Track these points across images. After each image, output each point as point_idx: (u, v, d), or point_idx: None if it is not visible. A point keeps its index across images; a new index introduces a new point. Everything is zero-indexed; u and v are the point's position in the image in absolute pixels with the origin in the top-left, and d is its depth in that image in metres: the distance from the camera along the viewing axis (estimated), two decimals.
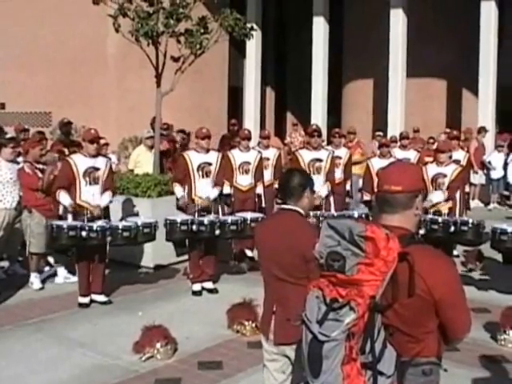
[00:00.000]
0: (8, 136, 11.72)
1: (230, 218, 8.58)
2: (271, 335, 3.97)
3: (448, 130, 15.11)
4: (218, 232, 8.36)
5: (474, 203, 15.85)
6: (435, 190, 9.01)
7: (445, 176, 9.04)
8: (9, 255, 9.61)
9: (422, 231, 8.15)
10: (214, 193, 8.77)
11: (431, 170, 9.12)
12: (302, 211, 4.02)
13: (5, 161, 8.92)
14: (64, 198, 7.96)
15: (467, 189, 11.72)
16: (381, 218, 2.95)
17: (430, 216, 8.53)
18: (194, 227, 8.26)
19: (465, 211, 10.86)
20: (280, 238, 3.84)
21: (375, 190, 8.01)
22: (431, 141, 14.54)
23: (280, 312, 3.80)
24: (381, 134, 16.35)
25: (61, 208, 8.63)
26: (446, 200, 9.01)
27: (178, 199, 8.85)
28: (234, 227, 8.48)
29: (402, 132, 13.74)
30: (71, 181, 7.99)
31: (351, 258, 2.63)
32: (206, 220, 8.33)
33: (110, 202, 8.44)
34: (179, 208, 8.83)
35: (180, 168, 8.89)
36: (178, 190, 8.76)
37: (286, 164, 12.65)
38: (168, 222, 8.35)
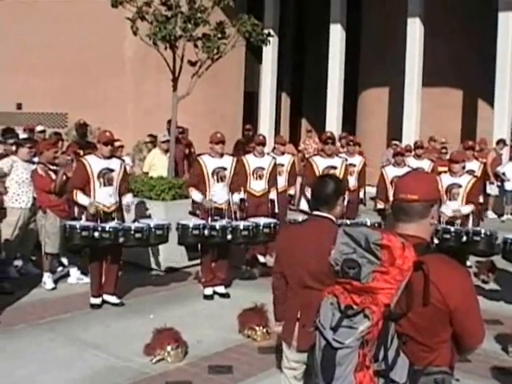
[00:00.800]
0: (22, 136, 11.80)
1: (242, 224, 8.56)
2: (294, 342, 3.96)
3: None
4: (229, 237, 8.36)
5: (492, 214, 15.82)
6: (449, 200, 8.99)
7: (459, 186, 9.03)
8: (22, 255, 9.67)
9: (435, 241, 8.12)
10: (236, 198, 8.85)
11: (445, 180, 9.10)
12: (334, 219, 4.02)
13: (21, 161, 9.01)
14: (82, 198, 8.01)
15: (481, 199, 11.67)
16: (397, 226, 2.95)
17: (442, 225, 8.50)
18: (206, 232, 8.27)
19: (478, 222, 10.82)
20: (313, 246, 3.79)
21: (389, 198, 7.97)
22: (444, 151, 14.51)
23: (304, 318, 3.78)
24: (397, 142, 16.33)
25: (76, 209, 8.67)
26: (471, 211, 9.03)
27: (195, 203, 8.84)
28: (245, 233, 8.48)
29: (417, 141, 13.70)
30: (85, 182, 8.04)
31: (367, 266, 2.64)
32: (217, 225, 8.33)
33: (133, 202, 8.52)
34: (191, 213, 8.84)
35: (195, 172, 8.91)
36: (196, 194, 8.72)
37: (300, 171, 12.65)
38: (180, 226, 8.36)
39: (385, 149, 18.65)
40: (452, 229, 8.47)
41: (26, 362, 6.25)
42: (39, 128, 14.60)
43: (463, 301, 2.80)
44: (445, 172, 9.59)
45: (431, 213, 2.95)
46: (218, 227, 8.31)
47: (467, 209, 8.95)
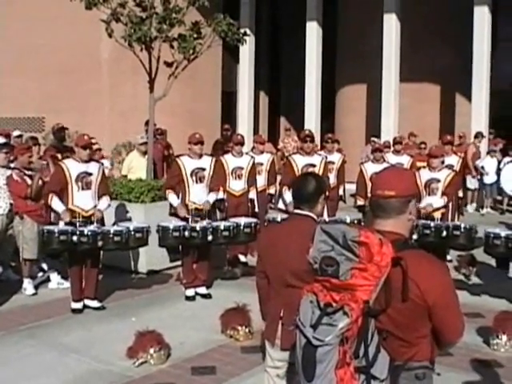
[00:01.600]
0: (0, 141, 11.70)
1: (222, 224, 8.55)
2: (278, 341, 3.95)
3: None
4: (210, 238, 8.33)
5: (472, 208, 15.93)
6: (428, 195, 9.04)
7: (438, 181, 9.08)
8: (1, 261, 9.58)
9: (414, 236, 8.16)
10: (211, 197, 8.78)
11: (424, 175, 9.14)
12: (315, 217, 4.01)
13: None
14: (57, 204, 7.96)
15: (460, 194, 11.75)
16: (374, 222, 2.96)
17: (422, 221, 8.54)
18: (187, 233, 8.24)
19: (458, 216, 10.89)
20: (295, 244, 3.72)
21: (369, 194, 8.01)
22: (423, 146, 14.59)
23: (287, 317, 3.76)
24: (375, 139, 16.40)
25: (53, 214, 8.60)
26: (445, 206, 9.06)
27: (172, 206, 8.80)
28: (226, 233, 8.46)
29: (396, 137, 13.77)
30: (63, 185, 7.98)
31: (345, 263, 2.64)
32: (198, 226, 8.31)
33: (109, 205, 8.45)
34: (172, 214, 8.80)
35: (173, 173, 8.87)
36: (173, 198, 8.68)
37: (280, 169, 12.65)
38: (160, 227, 8.33)
39: (364, 145, 18.72)
40: (432, 224, 8.51)
41: (6, 369, 6.19)
42: (16, 133, 14.47)
43: (442, 296, 2.81)
44: (424, 167, 9.64)
45: (409, 208, 2.96)
46: (198, 228, 8.28)
47: (439, 202, 8.98)
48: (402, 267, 2.70)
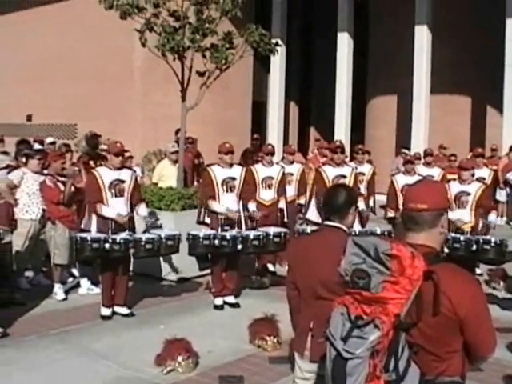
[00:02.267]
0: (36, 148, 11.88)
1: (252, 233, 8.57)
2: (307, 352, 3.94)
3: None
4: (240, 247, 8.37)
5: (502, 221, 15.72)
6: (458, 208, 8.97)
7: (468, 194, 9.01)
8: (33, 266, 9.71)
9: (446, 250, 8.09)
10: (252, 206, 8.93)
11: (454, 187, 9.08)
12: (346, 229, 4.01)
13: (31, 172, 9.06)
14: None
15: None
16: (406, 235, 2.95)
17: (452, 234, 8.47)
18: (217, 242, 8.27)
19: (487, 229, 10.79)
20: (326, 256, 3.67)
21: (399, 206, 7.91)
22: (453, 158, 14.49)
23: (317, 329, 3.75)
24: (406, 151, 16.31)
25: (84, 220, 8.69)
26: (480, 218, 9.00)
27: (200, 212, 8.84)
28: (256, 242, 8.48)
29: (427, 149, 13.69)
30: (97, 193, 8.06)
31: (376, 276, 2.64)
32: (228, 235, 8.34)
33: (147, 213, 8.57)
34: (200, 222, 8.85)
35: (206, 183, 8.90)
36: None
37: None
38: (190, 236, 8.36)
39: (394, 156, 18.65)
40: (462, 238, 8.43)
41: (36, 374, 6.25)
42: (49, 140, 14.69)
43: (473, 310, 2.79)
44: (454, 180, 9.58)
45: (441, 222, 2.95)
46: (228, 237, 8.31)
47: (467, 217, 8.91)
48: (434, 281, 2.69)
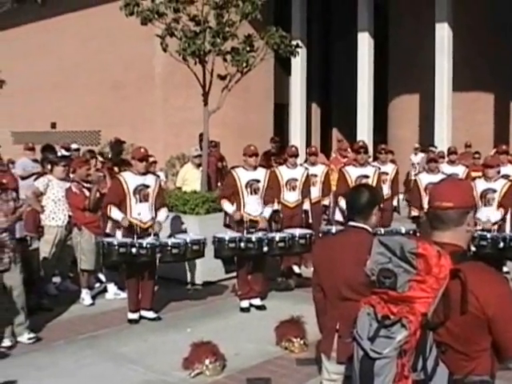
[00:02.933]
0: (61, 154, 12.00)
1: (277, 235, 8.57)
2: (334, 353, 3.94)
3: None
4: (266, 249, 8.37)
5: None
6: (485, 205, 8.93)
7: (494, 191, 8.96)
8: (60, 271, 9.80)
9: (472, 248, 8.05)
10: (267, 211, 8.81)
11: (480, 185, 9.03)
12: (370, 229, 4.01)
13: (57, 179, 9.15)
14: (116, 213, 8.08)
15: None
16: (432, 234, 2.94)
17: (478, 232, 8.42)
18: (242, 244, 8.29)
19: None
20: (351, 257, 3.72)
21: (423, 205, 7.87)
22: (477, 156, 14.40)
23: (343, 330, 3.75)
24: (433, 149, 16.18)
25: (108, 225, 8.75)
26: (503, 217, 8.94)
27: (227, 215, 8.86)
28: (282, 244, 8.48)
29: (450, 147, 13.61)
30: (122, 198, 8.11)
31: (402, 275, 2.64)
32: (253, 237, 8.35)
33: (167, 217, 8.56)
34: (226, 225, 8.87)
35: (228, 184, 8.95)
36: (228, 206, 8.77)
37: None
38: (216, 239, 8.38)
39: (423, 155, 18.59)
40: (488, 235, 8.39)
41: (64, 378, 6.32)
42: (74, 146, 14.82)
43: (502, 308, 2.76)
44: (479, 177, 9.52)
45: (467, 220, 2.93)
46: (254, 239, 8.33)
47: (497, 215, 8.86)
48: (461, 279, 2.68)
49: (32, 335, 7.32)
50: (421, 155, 18.69)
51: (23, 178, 10.82)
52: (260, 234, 8.43)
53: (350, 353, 2.98)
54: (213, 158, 12.66)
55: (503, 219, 9.03)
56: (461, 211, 2.91)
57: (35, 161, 12.02)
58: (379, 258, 2.72)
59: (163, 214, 8.40)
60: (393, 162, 12.84)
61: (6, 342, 7.12)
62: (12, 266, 7.10)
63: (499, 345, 2.83)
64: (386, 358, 2.58)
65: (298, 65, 21.97)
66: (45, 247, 8.99)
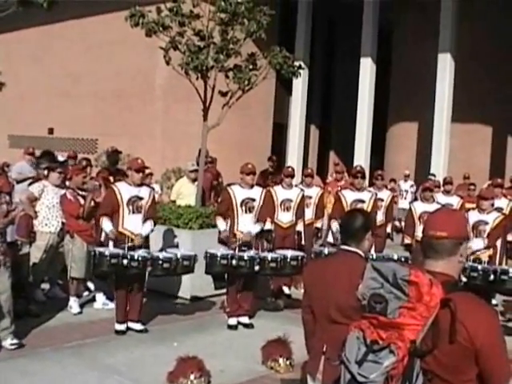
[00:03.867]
0: (60, 160, 12.00)
1: (270, 255, 8.55)
2: (319, 375, 3.95)
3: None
4: (257, 268, 8.36)
5: None
6: (476, 237, 8.99)
7: (486, 223, 9.01)
8: (50, 278, 9.77)
9: (464, 279, 8.07)
10: (255, 228, 8.78)
11: (473, 216, 9.08)
12: (362, 254, 4.02)
13: (52, 185, 9.14)
14: (106, 224, 8.10)
15: (510, 237, 11.56)
16: (425, 263, 2.95)
17: (469, 263, 8.44)
18: (234, 262, 8.27)
19: (506, 260, 10.73)
20: (342, 281, 3.74)
21: (417, 233, 7.87)
22: (472, 187, 14.46)
23: (330, 352, 3.76)
24: (432, 177, 16.25)
25: (103, 235, 8.73)
26: (486, 248, 8.97)
27: (220, 232, 8.89)
28: (273, 264, 8.46)
29: (446, 177, 13.68)
30: (115, 208, 8.11)
31: (394, 301, 2.64)
32: (246, 255, 8.34)
33: (152, 230, 8.54)
34: (221, 241, 8.88)
35: (223, 202, 8.96)
36: (221, 223, 8.79)
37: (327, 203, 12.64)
38: (208, 255, 8.37)
39: (413, 183, 18.67)
40: (479, 267, 8.41)
41: None
42: (60, 158, 14.79)
43: (489, 340, 2.78)
44: (473, 209, 9.57)
45: (460, 250, 2.95)
46: (246, 257, 8.32)
47: (478, 244, 8.91)
48: (451, 309, 2.69)
49: (15, 341, 7.27)
50: (410, 182, 18.83)
51: (18, 182, 10.83)
52: (252, 253, 8.43)
53: (335, 375, 2.99)
54: (208, 175, 12.66)
55: (493, 249, 9.06)
56: (455, 241, 2.92)
57: (34, 165, 12.05)
58: (371, 283, 2.73)
59: (148, 227, 8.32)
60: (392, 189, 12.85)
61: None
62: (1, 269, 7.07)
63: (485, 377, 2.84)
64: (373, 382, 2.58)
65: (300, 86, 22.10)
66: (36, 253, 8.97)
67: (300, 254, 8.88)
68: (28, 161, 12.41)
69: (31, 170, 11.67)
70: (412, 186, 18.79)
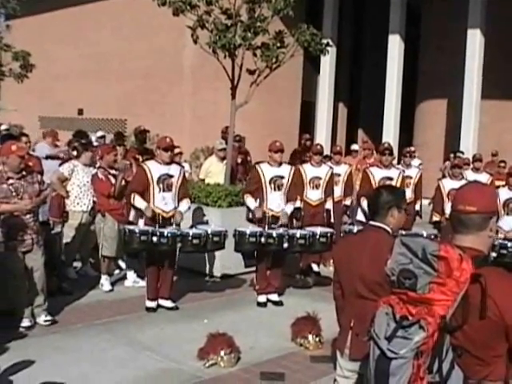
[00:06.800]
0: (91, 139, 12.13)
1: (298, 232, 8.58)
2: (347, 350, 3.98)
3: None
4: (286, 245, 8.38)
5: None
6: (507, 214, 8.91)
7: None
8: (81, 256, 9.89)
9: (493, 254, 8.02)
10: (289, 208, 8.81)
11: (503, 194, 9.01)
12: (388, 229, 4.03)
13: (82, 165, 9.23)
14: (139, 201, 8.15)
15: None
16: (454, 238, 2.95)
17: (499, 240, 8.39)
18: (263, 239, 8.31)
19: None
20: (367, 256, 3.80)
21: (445, 211, 7.85)
22: (502, 164, 14.30)
23: (357, 328, 3.80)
24: (461, 155, 16.09)
25: (131, 214, 8.81)
26: None
27: (250, 210, 8.90)
28: (302, 241, 8.49)
29: (475, 154, 13.54)
30: (145, 187, 8.17)
31: (423, 277, 2.65)
32: (274, 233, 8.37)
33: (189, 208, 8.60)
34: (249, 219, 8.90)
35: (252, 180, 8.98)
36: (250, 201, 8.80)
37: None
38: (237, 232, 8.41)
39: (441, 161, 18.50)
40: (509, 244, 8.35)
41: (81, 361, 6.40)
42: (99, 134, 14.92)
43: None
44: (503, 186, 9.48)
45: (489, 225, 2.93)
46: (274, 235, 8.35)
47: None
48: (481, 284, 2.68)
49: (49, 317, 7.42)
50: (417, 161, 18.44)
51: (49, 158, 10.95)
52: (281, 230, 8.45)
53: (363, 351, 3.02)
54: (236, 153, 12.68)
55: None
56: (484, 216, 2.91)
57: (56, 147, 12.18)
58: (400, 259, 2.74)
59: (185, 204, 8.43)
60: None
61: (26, 323, 7.22)
62: (34, 247, 7.18)
63: None
64: (403, 358, 2.59)
65: (328, 63, 21.94)
66: (69, 232, 9.10)
67: (329, 230, 8.89)
68: (48, 143, 12.48)
69: (51, 151, 11.78)
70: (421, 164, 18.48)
